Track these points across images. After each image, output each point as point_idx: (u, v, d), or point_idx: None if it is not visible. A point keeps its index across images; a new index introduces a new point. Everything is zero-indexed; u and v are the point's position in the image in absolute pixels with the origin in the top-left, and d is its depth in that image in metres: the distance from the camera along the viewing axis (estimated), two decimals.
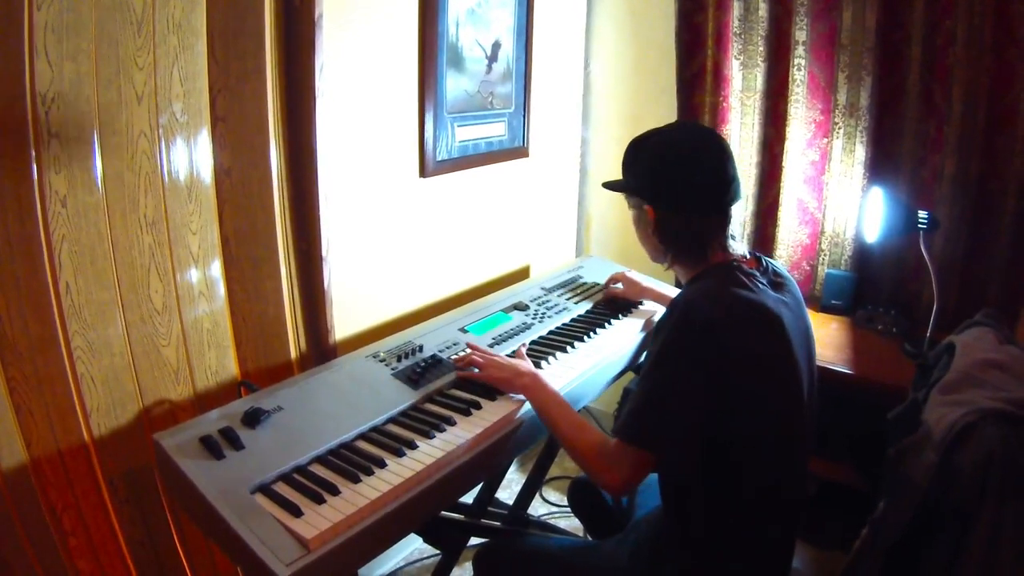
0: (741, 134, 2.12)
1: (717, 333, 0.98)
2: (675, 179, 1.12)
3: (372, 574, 1.92)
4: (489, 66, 1.93)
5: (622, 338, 1.57)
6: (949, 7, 1.73)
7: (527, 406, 1.23)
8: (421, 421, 1.19)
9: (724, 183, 1.11)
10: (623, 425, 1.03)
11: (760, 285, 1.07)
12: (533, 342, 1.52)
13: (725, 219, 1.12)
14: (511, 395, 1.26)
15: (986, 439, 1.06)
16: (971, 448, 1.07)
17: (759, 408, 1.01)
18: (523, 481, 1.95)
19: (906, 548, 1.16)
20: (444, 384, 1.31)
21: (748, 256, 1.15)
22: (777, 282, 1.13)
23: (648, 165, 1.16)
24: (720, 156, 1.12)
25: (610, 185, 1.27)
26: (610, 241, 2.53)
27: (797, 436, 1.09)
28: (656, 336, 1.06)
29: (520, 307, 1.68)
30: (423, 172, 1.78)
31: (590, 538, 1.67)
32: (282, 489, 1.00)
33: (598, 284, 1.88)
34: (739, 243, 1.14)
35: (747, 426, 1.00)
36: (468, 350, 1.38)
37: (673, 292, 1.67)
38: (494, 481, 1.64)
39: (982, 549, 1.02)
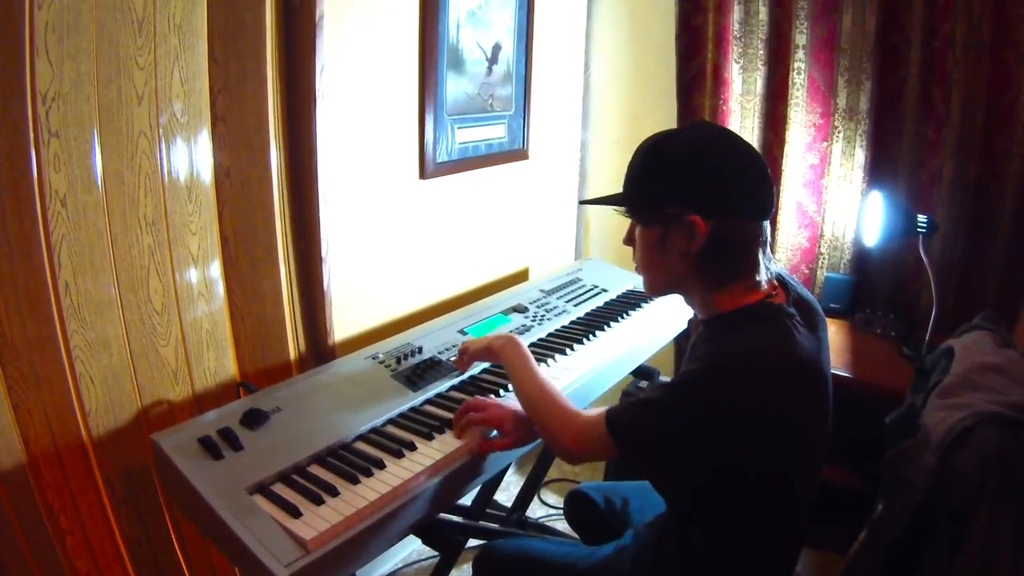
0: None
1: (763, 410, 0.88)
2: (725, 178, 0.93)
3: (371, 575, 1.91)
4: (489, 68, 1.93)
5: (621, 341, 1.57)
6: (948, 10, 1.73)
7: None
8: (420, 423, 1.19)
9: (770, 181, 0.96)
10: (619, 410, 0.99)
11: (803, 331, 0.94)
12: (532, 344, 1.52)
13: (765, 230, 0.98)
14: (509, 398, 1.25)
15: (984, 442, 1.06)
16: (969, 451, 1.07)
17: (779, 463, 0.94)
18: (521, 484, 1.95)
19: (904, 550, 1.16)
20: (443, 386, 1.31)
21: (773, 277, 1.01)
22: (811, 320, 1.00)
23: (684, 166, 0.94)
24: (756, 152, 0.98)
25: (630, 200, 1.01)
26: (609, 244, 2.53)
27: (815, 469, 1.04)
28: (692, 359, 0.95)
29: (519, 309, 1.68)
30: (423, 174, 1.78)
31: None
32: (281, 490, 1.00)
33: (597, 287, 1.88)
34: (771, 260, 1.01)
35: (760, 473, 0.94)
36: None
37: None
38: (493, 483, 1.64)
39: (980, 551, 1.02)
